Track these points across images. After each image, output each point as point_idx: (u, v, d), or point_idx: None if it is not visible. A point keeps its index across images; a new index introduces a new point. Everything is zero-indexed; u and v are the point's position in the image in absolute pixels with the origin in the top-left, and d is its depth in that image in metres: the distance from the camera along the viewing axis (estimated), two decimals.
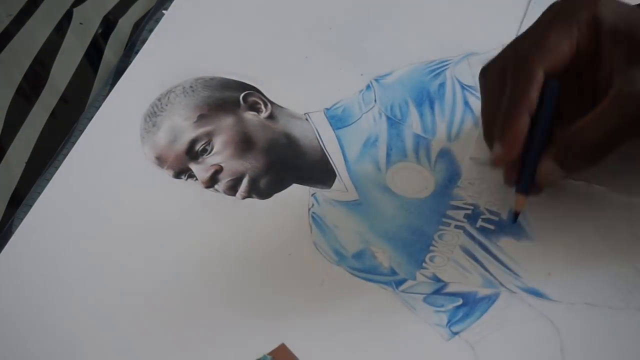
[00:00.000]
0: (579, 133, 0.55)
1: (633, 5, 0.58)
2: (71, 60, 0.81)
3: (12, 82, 0.79)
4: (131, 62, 0.77)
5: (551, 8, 0.59)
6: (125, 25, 0.83)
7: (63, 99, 0.79)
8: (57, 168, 0.71)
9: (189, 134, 0.70)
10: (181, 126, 0.70)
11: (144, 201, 0.67)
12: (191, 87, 0.73)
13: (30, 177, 0.72)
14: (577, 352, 0.55)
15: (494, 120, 0.58)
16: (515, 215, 0.60)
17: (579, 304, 0.57)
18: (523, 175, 0.58)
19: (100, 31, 0.84)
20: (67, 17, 0.84)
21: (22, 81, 0.80)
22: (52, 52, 0.82)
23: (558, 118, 0.57)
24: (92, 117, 0.73)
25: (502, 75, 0.58)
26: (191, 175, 0.68)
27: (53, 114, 0.78)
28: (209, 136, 0.69)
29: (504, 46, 0.60)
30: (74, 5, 0.84)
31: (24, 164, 0.75)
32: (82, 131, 0.73)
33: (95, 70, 0.81)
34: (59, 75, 0.80)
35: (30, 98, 0.79)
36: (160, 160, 0.69)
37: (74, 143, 0.72)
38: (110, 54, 0.82)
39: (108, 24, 0.84)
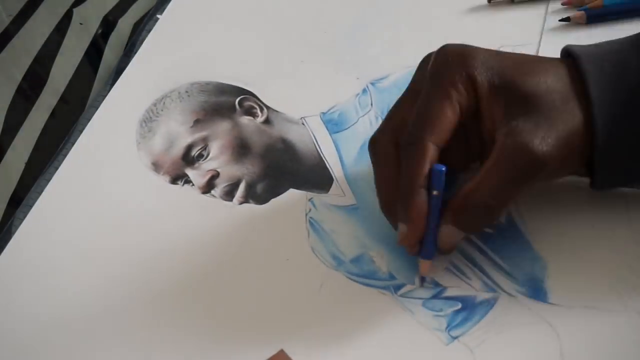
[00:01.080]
0: (471, 195, 0.55)
1: (501, 55, 0.57)
2: (71, 60, 0.81)
3: (12, 82, 0.79)
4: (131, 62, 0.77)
5: (426, 60, 0.59)
6: (125, 25, 0.84)
7: (63, 99, 0.79)
8: (57, 168, 0.71)
9: (185, 139, 0.70)
10: (177, 131, 0.70)
11: (141, 207, 0.67)
12: (187, 91, 0.73)
13: (30, 177, 0.72)
14: (577, 356, 0.55)
15: (391, 199, 0.58)
16: (421, 280, 0.59)
17: (578, 307, 0.57)
18: (426, 243, 0.57)
19: (100, 31, 0.84)
20: (67, 17, 0.84)
21: (22, 81, 0.80)
22: (52, 52, 0.82)
23: (449, 174, 0.56)
24: (91, 118, 0.73)
25: (391, 149, 0.58)
26: (188, 181, 0.68)
27: (53, 114, 0.78)
28: (205, 141, 0.69)
29: (499, 46, 0.60)
30: (74, 5, 0.84)
31: (24, 164, 0.75)
32: (82, 131, 0.73)
33: (95, 70, 0.81)
34: (59, 75, 0.80)
35: (30, 98, 0.79)
36: (157, 166, 0.69)
37: (73, 143, 0.72)
38: (110, 54, 0.82)
39: (108, 24, 0.84)
